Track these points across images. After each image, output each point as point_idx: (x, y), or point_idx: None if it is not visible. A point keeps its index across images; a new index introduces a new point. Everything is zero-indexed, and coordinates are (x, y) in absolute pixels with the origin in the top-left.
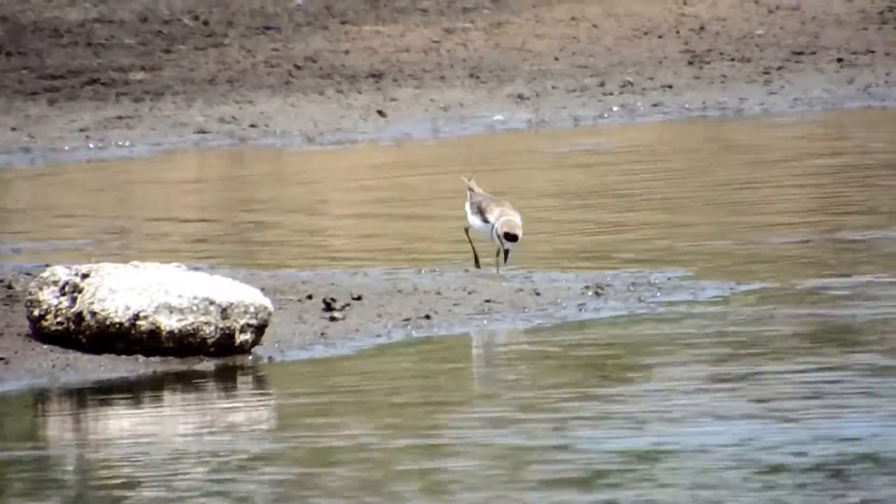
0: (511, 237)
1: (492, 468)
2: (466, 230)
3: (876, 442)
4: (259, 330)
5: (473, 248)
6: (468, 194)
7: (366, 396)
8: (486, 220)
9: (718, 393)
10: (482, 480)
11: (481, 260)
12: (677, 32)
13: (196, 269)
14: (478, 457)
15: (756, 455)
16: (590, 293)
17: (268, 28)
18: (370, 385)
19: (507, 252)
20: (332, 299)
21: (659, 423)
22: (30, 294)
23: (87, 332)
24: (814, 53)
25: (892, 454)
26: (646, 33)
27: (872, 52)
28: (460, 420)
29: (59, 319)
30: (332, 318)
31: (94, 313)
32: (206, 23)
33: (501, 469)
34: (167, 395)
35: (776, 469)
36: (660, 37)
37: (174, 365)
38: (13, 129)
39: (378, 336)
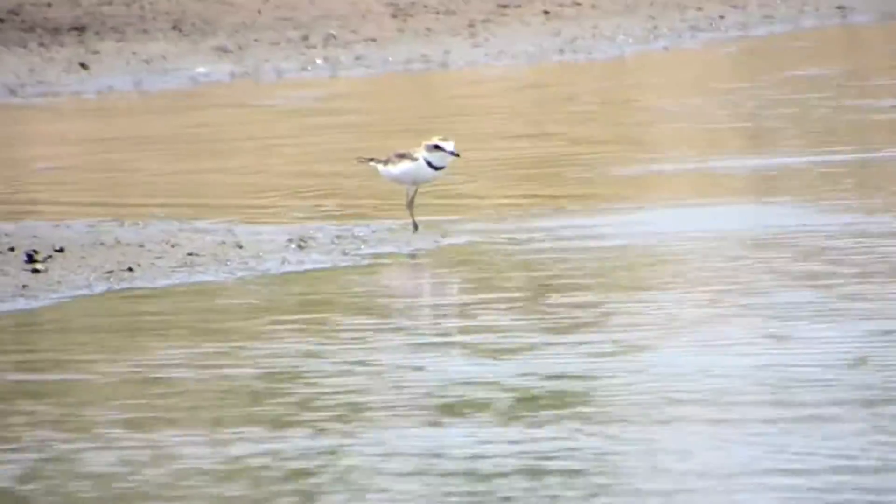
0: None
1: (196, 401)
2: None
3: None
4: None
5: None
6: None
7: (66, 345)
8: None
9: (418, 336)
10: (186, 411)
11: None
12: None
13: None
14: (178, 391)
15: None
16: (293, 246)
17: None
18: (71, 335)
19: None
20: (35, 251)
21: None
22: None
23: None
24: (519, 7)
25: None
26: None
27: (579, 4)
28: (162, 358)
29: None
30: (35, 271)
31: None
32: None
33: (204, 401)
34: None
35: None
36: None
37: None
38: None
39: (80, 288)
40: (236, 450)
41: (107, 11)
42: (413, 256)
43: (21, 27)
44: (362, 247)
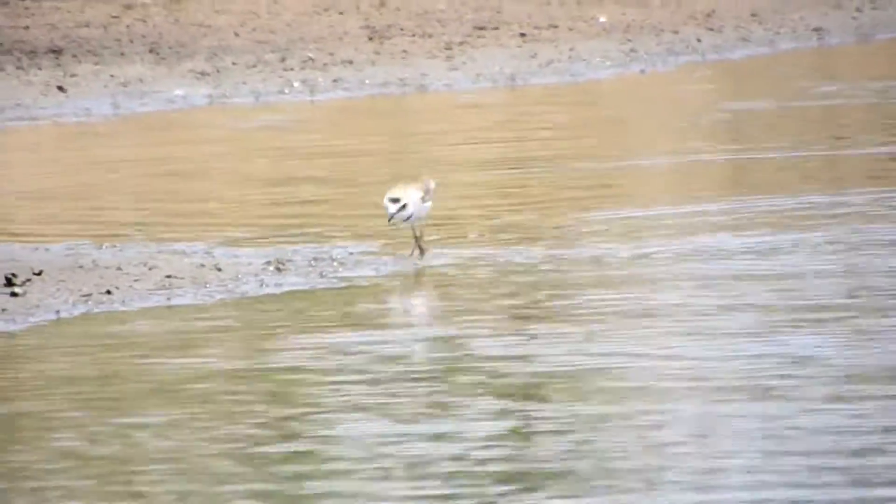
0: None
1: (169, 428)
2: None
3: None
4: None
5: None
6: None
7: (45, 369)
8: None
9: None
10: (167, 445)
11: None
12: (357, 8)
13: None
14: (153, 417)
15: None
16: (271, 268)
17: None
18: (48, 358)
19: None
20: (13, 275)
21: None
22: None
23: None
24: (496, 28)
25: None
26: (326, 9)
27: (555, 26)
28: (133, 389)
29: None
30: (13, 294)
31: None
32: None
33: (180, 430)
34: None
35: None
36: (340, 13)
37: None
38: None
39: (58, 311)
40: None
41: (84, 34)
42: (390, 279)
43: None
44: (340, 269)
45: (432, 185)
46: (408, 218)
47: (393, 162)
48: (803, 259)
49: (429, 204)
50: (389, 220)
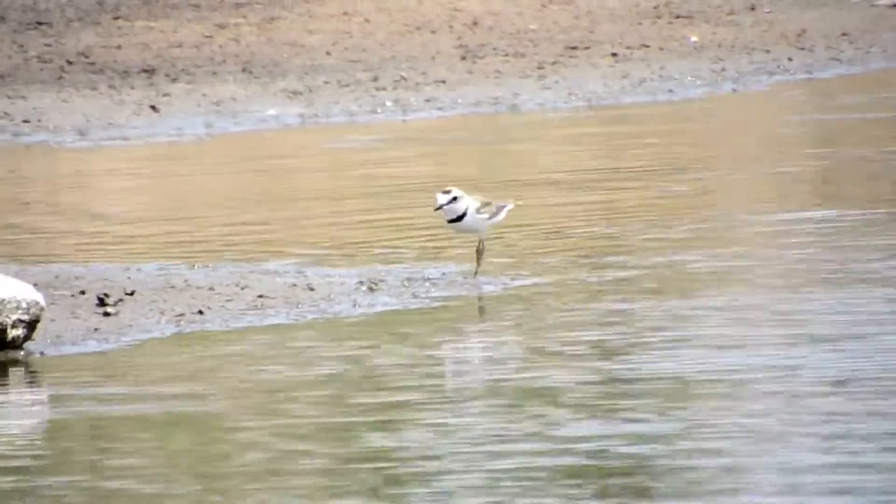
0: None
1: (250, 449)
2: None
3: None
4: (31, 325)
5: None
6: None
7: (137, 389)
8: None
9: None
10: (248, 462)
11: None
12: (450, 27)
13: None
14: (242, 442)
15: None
16: (364, 288)
17: (39, 23)
18: (142, 378)
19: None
20: (106, 294)
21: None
22: None
23: None
24: (588, 48)
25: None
26: (418, 28)
27: (647, 46)
28: (227, 409)
29: None
30: (106, 314)
31: None
32: None
33: (266, 452)
34: None
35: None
36: (433, 32)
37: None
38: None
39: (150, 331)
40: None
41: (177, 54)
42: (482, 299)
43: (91, 69)
44: (432, 289)
45: (506, 206)
46: (460, 218)
47: (484, 180)
48: None
49: (485, 217)
50: (436, 209)
